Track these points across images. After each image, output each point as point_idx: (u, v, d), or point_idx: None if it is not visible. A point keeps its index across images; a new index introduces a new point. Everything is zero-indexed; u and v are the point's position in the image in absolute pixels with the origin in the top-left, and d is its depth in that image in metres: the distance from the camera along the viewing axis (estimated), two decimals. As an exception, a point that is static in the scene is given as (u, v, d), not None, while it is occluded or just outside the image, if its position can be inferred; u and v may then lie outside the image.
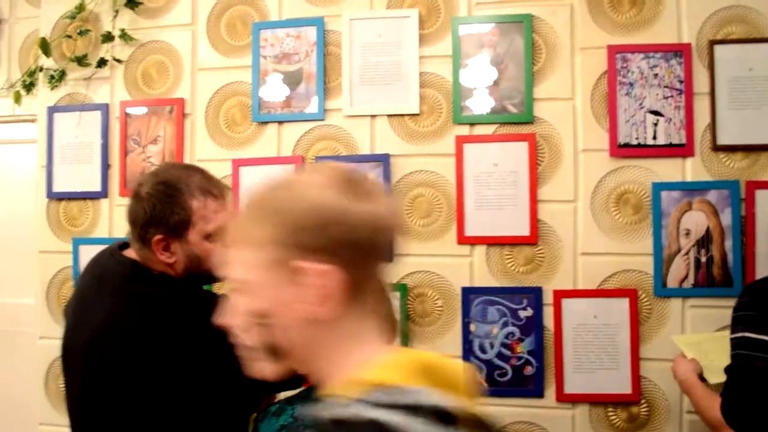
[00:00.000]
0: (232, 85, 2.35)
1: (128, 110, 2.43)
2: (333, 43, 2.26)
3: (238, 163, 2.31)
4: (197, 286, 1.54)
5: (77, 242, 2.43)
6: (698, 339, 1.84)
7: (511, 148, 2.11)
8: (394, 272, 2.17)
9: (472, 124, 2.15)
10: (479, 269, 2.13)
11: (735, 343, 1.47)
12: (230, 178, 2.31)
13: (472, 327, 2.11)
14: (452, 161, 2.15)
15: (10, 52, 2.77)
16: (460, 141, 2.14)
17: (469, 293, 2.12)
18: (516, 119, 2.11)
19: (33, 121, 2.61)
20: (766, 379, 1.41)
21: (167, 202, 1.43)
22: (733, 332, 1.49)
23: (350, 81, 2.23)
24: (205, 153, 2.36)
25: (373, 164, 2.20)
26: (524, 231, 2.09)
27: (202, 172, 1.53)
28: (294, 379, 1.36)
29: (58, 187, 2.50)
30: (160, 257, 1.44)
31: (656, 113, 2.01)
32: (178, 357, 1.35)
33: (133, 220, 1.46)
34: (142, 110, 2.42)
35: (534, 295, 2.08)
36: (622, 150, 2.03)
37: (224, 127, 2.35)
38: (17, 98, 2.60)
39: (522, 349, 2.08)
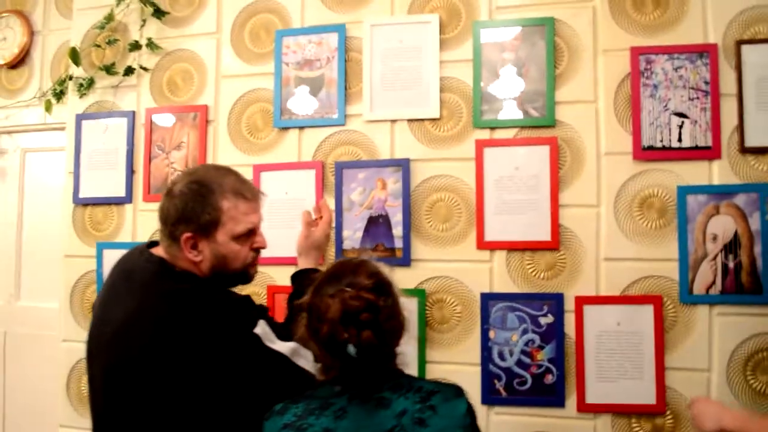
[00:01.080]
0: (255, 92, 2.37)
1: (153, 117, 2.48)
2: (354, 49, 2.28)
3: (259, 169, 2.32)
4: (223, 286, 1.53)
5: (101, 246, 2.46)
6: None
7: (532, 152, 2.08)
8: (413, 277, 2.15)
9: (492, 128, 2.13)
10: (499, 275, 2.09)
11: None
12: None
13: (492, 334, 2.07)
14: (472, 165, 2.13)
15: (43, 62, 2.86)
16: (481, 145, 2.12)
17: (488, 299, 2.08)
18: (537, 123, 2.08)
19: (63, 129, 2.67)
20: None
21: (199, 200, 1.44)
22: None
23: (371, 86, 2.23)
24: (227, 158, 2.37)
25: (393, 169, 2.19)
26: (545, 236, 2.05)
27: (236, 175, 1.53)
28: (309, 382, 1.34)
29: (84, 193, 2.54)
30: (188, 255, 1.45)
31: (681, 115, 1.97)
32: (200, 355, 1.35)
33: (165, 216, 1.47)
34: (166, 117, 2.46)
35: (555, 301, 2.03)
36: (647, 153, 1.98)
37: (246, 133, 2.37)
38: (48, 107, 2.67)
39: (542, 356, 2.03)
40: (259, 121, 2.36)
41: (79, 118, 2.58)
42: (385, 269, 1.29)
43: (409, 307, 2.09)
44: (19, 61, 2.87)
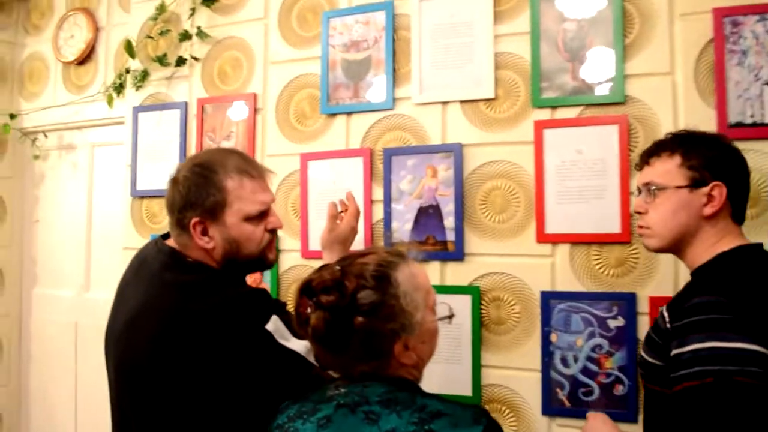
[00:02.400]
0: (302, 78, 2.27)
1: (204, 107, 2.43)
2: (403, 27, 2.11)
3: (306, 158, 2.22)
4: (238, 275, 1.46)
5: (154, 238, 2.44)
6: None
7: (598, 133, 1.84)
8: (466, 273, 1.97)
9: (553, 107, 1.90)
10: (562, 271, 1.87)
11: (693, 359, 1.15)
12: (299, 173, 2.22)
13: (553, 337, 1.86)
14: (531, 150, 1.91)
15: (107, 57, 2.88)
16: (540, 126, 1.90)
17: (549, 298, 1.87)
18: (604, 100, 1.84)
19: (123, 122, 2.69)
20: (756, 400, 1.10)
21: (202, 183, 1.38)
22: (683, 345, 1.18)
23: (420, 66, 2.06)
24: (275, 148, 2.29)
25: (444, 155, 2.01)
26: (614, 228, 1.80)
27: (240, 154, 1.48)
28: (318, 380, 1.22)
29: (141, 186, 2.55)
30: (199, 242, 1.38)
31: (777, 85, 1.67)
32: (206, 351, 1.26)
33: (171, 205, 1.42)
34: (216, 107, 2.40)
35: (626, 302, 1.79)
36: (734, 130, 1.69)
37: (294, 121, 2.27)
38: (110, 100, 2.69)
39: (611, 364, 1.79)
40: (306, 108, 2.25)
41: (136, 111, 2.58)
42: (405, 269, 1.14)
43: (461, 305, 1.94)
44: (86, 57, 2.92)
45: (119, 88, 2.66)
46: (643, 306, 1.77)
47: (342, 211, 1.72)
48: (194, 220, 1.36)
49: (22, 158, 3.16)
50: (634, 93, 1.82)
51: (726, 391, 1.11)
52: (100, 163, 3.02)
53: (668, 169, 1.35)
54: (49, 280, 3.15)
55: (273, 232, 1.47)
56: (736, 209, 1.35)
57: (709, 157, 1.33)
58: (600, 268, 1.84)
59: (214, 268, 1.41)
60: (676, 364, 1.18)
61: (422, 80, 2.06)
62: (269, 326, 1.30)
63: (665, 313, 1.28)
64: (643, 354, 1.36)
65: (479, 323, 1.94)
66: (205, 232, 1.38)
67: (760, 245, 1.35)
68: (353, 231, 1.72)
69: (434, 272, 2.00)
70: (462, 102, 2.01)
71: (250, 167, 1.43)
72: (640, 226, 1.43)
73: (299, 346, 1.31)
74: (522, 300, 1.91)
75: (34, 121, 3.05)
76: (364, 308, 1.07)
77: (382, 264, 1.13)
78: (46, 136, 3.03)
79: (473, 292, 1.95)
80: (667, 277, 1.76)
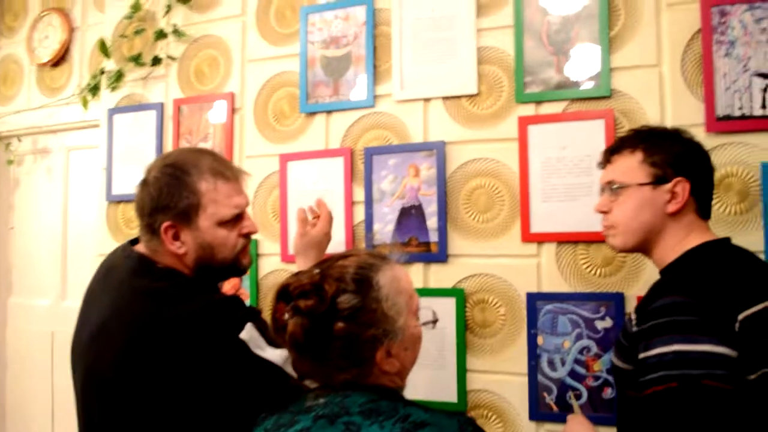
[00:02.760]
0: (281, 76, 2.20)
1: (181, 108, 2.36)
2: (383, 23, 2.06)
3: (285, 158, 2.15)
4: (211, 282, 1.39)
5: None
6: None
7: (584, 128, 1.79)
8: (450, 275, 1.91)
9: (538, 102, 1.85)
10: (548, 271, 1.81)
11: (658, 363, 1.10)
12: (278, 174, 2.15)
13: (540, 339, 1.80)
14: (515, 146, 1.86)
15: (82, 58, 2.80)
16: (524, 122, 1.85)
17: (535, 300, 1.81)
18: (590, 94, 1.79)
19: (98, 125, 2.61)
20: (724, 404, 1.05)
21: (174, 185, 1.31)
22: (649, 348, 1.13)
23: (401, 62, 2.01)
24: (254, 149, 2.22)
25: (426, 153, 1.95)
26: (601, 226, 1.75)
27: (214, 155, 1.41)
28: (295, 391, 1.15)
29: (116, 190, 2.47)
30: (170, 247, 1.31)
31: (766, 76, 1.62)
32: (177, 362, 1.19)
33: (141, 208, 1.35)
34: (192, 108, 2.33)
35: (614, 302, 1.73)
36: (723, 123, 1.64)
37: (273, 120, 2.20)
38: (84, 102, 2.61)
39: (600, 366, 1.73)
40: (285, 107, 2.19)
41: (111, 113, 2.51)
42: (388, 271, 1.08)
43: (445, 308, 1.88)
44: (61, 58, 2.84)
45: (94, 89, 2.58)
46: (632, 306, 1.70)
47: (314, 218, 1.67)
48: (165, 224, 1.30)
49: (-4, 164, 3.07)
50: (620, 86, 1.77)
51: (691, 395, 1.06)
52: (75, 168, 2.93)
53: (630, 167, 1.31)
54: (24, 289, 3.06)
55: (247, 236, 1.40)
56: (701, 204, 1.30)
57: (671, 153, 1.28)
58: (587, 267, 1.78)
59: (186, 275, 1.34)
60: (644, 369, 1.13)
61: (403, 76, 2.00)
62: (243, 335, 1.23)
63: (633, 316, 1.23)
64: (614, 359, 1.31)
65: (464, 327, 1.88)
66: (176, 237, 1.31)
67: (727, 240, 1.30)
68: (327, 236, 1.67)
69: (417, 275, 1.94)
70: (444, 98, 1.96)
71: (224, 168, 1.37)
72: (605, 226, 1.38)
73: (275, 355, 1.24)
74: (507, 302, 1.85)
75: (8, 125, 2.97)
76: (344, 313, 1.01)
77: (363, 267, 1.07)
78: (20, 140, 2.94)
79: (457, 294, 1.89)
80: (655, 276, 1.68)
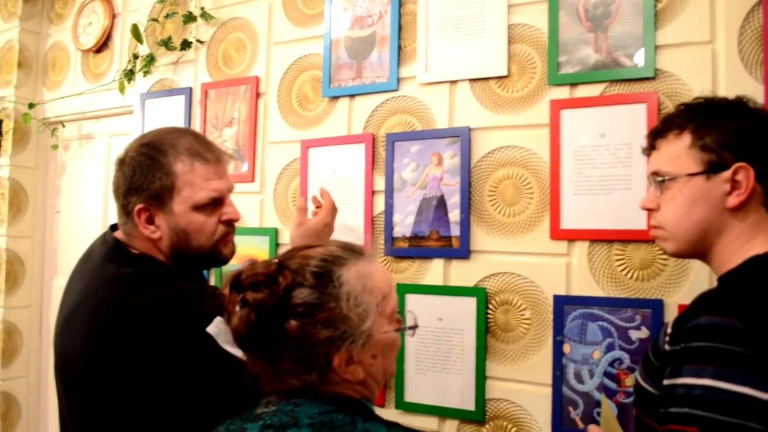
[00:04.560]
0: (306, 58, 2.10)
1: (208, 93, 2.30)
2: (410, 1, 1.92)
3: (306, 144, 2.05)
4: (189, 270, 1.31)
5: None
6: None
7: (624, 114, 1.59)
8: (472, 273, 1.75)
9: (573, 85, 1.66)
10: (579, 273, 1.63)
11: (685, 397, 0.89)
12: (299, 161, 2.06)
13: (567, 348, 1.62)
14: (546, 133, 1.68)
15: (122, 44, 2.80)
16: (557, 107, 1.67)
17: (563, 303, 1.63)
18: (631, 75, 1.59)
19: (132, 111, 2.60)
20: None
21: (148, 165, 1.24)
22: (676, 375, 0.91)
23: (426, 41, 1.86)
24: (277, 135, 2.13)
25: (450, 140, 1.80)
26: (640, 224, 1.54)
27: (195, 135, 1.33)
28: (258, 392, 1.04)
29: (146, 175, 2.44)
30: (144, 231, 1.25)
31: (839, 51, 1.38)
32: (139, 353, 1.13)
33: (116, 189, 1.30)
34: (219, 92, 2.27)
35: (652, 310, 1.53)
36: (785, 107, 1.42)
37: (296, 105, 2.10)
38: (121, 88, 2.60)
39: (632, 382, 1.53)
40: (309, 92, 2.08)
41: (143, 98, 2.49)
42: (357, 266, 0.96)
43: (465, 309, 1.73)
44: (103, 44, 2.85)
45: (129, 74, 2.57)
46: (672, 315, 1.50)
47: (317, 207, 1.57)
48: (138, 206, 1.23)
49: (45, 149, 3.12)
50: (666, 66, 1.56)
51: None
52: (117, 154, 2.93)
53: (677, 153, 1.07)
54: (68, 271, 3.08)
55: (229, 224, 1.31)
56: None
57: (727, 131, 1.03)
58: (623, 270, 1.58)
59: (161, 261, 1.27)
60: (667, 398, 0.92)
61: (428, 57, 1.86)
62: (211, 329, 1.14)
63: (668, 329, 1.00)
64: (638, 378, 1.10)
65: (484, 329, 1.72)
66: (150, 221, 1.25)
67: None
68: (327, 227, 1.56)
69: (437, 271, 1.80)
70: (471, 80, 1.80)
71: (204, 150, 1.28)
72: (653, 226, 1.15)
73: None
74: (533, 304, 1.68)
75: (55, 111, 3.01)
76: (297, 309, 0.90)
77: (326, 259, 0.95)
78: (63, 125, 2.98)
79: (479, 294, 1.73)
80: (701, 283, 1.49)
